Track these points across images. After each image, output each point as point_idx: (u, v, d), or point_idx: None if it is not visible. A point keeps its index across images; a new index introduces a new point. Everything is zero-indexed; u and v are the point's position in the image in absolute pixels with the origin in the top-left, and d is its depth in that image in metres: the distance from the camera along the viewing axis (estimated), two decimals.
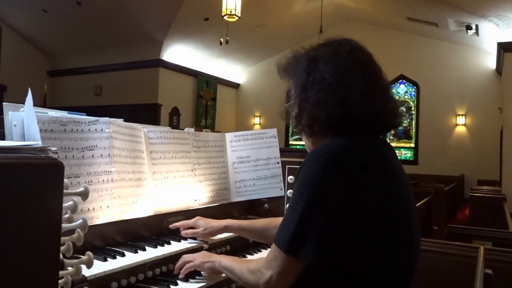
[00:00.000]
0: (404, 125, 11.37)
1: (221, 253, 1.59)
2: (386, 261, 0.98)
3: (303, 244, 0.96)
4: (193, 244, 1.48)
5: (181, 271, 1.32)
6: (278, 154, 2.00)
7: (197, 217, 1.57)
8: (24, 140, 1.13)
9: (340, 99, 1.03)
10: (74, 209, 0.86)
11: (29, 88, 1.22)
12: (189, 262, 1.33)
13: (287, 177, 1.97)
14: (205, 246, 1.52)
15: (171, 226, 1.57)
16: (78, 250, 0.99)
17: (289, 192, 1.91)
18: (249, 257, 1.62)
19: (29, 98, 1.11)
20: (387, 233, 0.98)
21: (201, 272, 1.36)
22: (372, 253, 0.96)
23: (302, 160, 1.05)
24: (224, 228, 1.53)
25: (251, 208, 2.06)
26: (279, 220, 1.34)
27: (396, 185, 1.04)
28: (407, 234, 1.03)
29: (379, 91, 1.06)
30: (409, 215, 1.04)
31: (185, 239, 1.52)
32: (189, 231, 1.53)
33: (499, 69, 9.38)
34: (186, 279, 1.32)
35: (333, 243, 0.95)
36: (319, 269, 0.99)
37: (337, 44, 1.11)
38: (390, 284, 0.99)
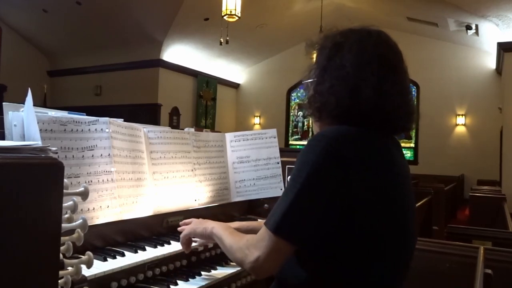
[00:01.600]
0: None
1: (221, 252, 1.57)
2: (378, 249, 0.97)
3: (294, 226, 0.95)
4: (193, 244, 1.48)
5: (180, 240, 1.36)
6: (278, 154, 2.00)
7: (198, 220, 1.55)
8: (24, 140, 1.13)
9: (351, 91, 1.02)
10: (74, 209, 0.86)
11: (29, 88, 1.22)
12: (183, 229, 1.35)
13: (287, 177, 1.97)
14: (210, 245, 1.51)
15: (179, 229, 1.55)
16: (78, 250, 0.99)
17: None
18: None
19: (29, 98, 1.11)
20: (380, 221, 0.97)
21: (201, 273, 1.35)
22: (364, 241, 0.95)
23: None
24: None
25: (251, 208, 2.06)
26: None
27: (395, 177, 1.02)
28: (403, 222, 1.02)
29: (395, 91, 1.03)
30: (405, 204, 1.03)
31: None
32: (186, 239, 1.52)
33: (499, 69, 9.37)
34: (186, 279, 1.32)
35: (324, 228, 0.94)
36: (308, 254, 0.98)
37: (366, 33, 1.09)
38: (382, 271, 0.98)
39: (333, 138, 0.97)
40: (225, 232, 1.20)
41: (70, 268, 0.86)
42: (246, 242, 1.06)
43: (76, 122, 1.30)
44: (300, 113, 12.55)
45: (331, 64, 1.07)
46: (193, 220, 1.38)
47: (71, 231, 0.87)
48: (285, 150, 2.17)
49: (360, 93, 1.01)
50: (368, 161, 0.98)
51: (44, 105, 7.95)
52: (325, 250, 0.97)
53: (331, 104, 1.04)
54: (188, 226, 1.33)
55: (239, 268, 1.47)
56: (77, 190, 0.87)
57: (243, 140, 2.00)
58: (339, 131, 1.00)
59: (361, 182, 0.95)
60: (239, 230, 1.50)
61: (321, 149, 0.96)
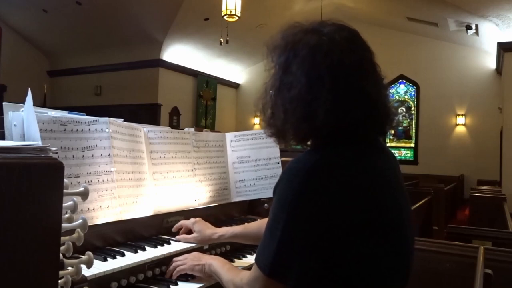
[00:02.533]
0: (404, 125, 11.39)
1: (221, 252, 1.59)
2: (375, 272, 0.93)
3: (285, 268, 0.92)
4: (193, 244, 1.48)
5: (173, 274, 1.31)
6: (278, 154, 2.00)
7: (195, 220, 1.54)
8: (24, 140, 1.13)
9: (306, 114, 0.95)
10: (74, 209, 0.86)
11: (29, 88, 1.22)
12: (179, 265, 1.31)
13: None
14: (205, 246, 1.52)
15: (173, 229, 1.56)
16: (78, 250, 0.99)
17: None
18: (248, 257, 1.62)
19: (29, 98, 1.11)
20: (373, 245, 0.92)
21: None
22: (359, 267, 0.91)
23: None
24: (218, 238, 1.50)
25: (251, 208, 2.06)
26: None
27: (381, 190, 0.96)
28: (398, 240, 0.97)
29: (357, 99, 0.94)
30: (398, 217, 0.98)
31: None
32: (181, 236, 1.52)
33: (499, 69, 9.37)
34: (186, 279, 1.32)
35: (316, 263, 0.90)
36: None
37: (317, 41, 0.97)
38: (385, 285, 0.95)
39: (307, 171, 0.92)
40: (222, 269, 1.19)
41: (70, 268, 0.86)
42: (241, 279, 1.04)
43: (76, 122, 1.30)
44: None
45: (284, 83, 0.99)
46: (189, 256, 1.34)
47: (71, 231, 0.87)
48: (285, 150, 2.16)
49: (314, 117, 0.93)
50: (348, 187, 0.92)
51: (44, 105, 7.95)
52: (322, 283, 0.92)
53: (287, 129, 0.99)
54: (187, 264, 1.30)
55: (240, 268, 1.47)
56: (77, 190, 0.87)
57: (244, 140, 2.00)
58: (309, 163, 0.94)
59: (344, 211, 0.90)
60: (223, 236, 1.49)
61: (297, 185, 0.91)
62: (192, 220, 1.55)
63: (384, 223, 0.95)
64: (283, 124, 0.99)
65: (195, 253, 1.36)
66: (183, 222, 1.57)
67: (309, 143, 1.03)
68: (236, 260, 1.57)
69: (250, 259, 1.60)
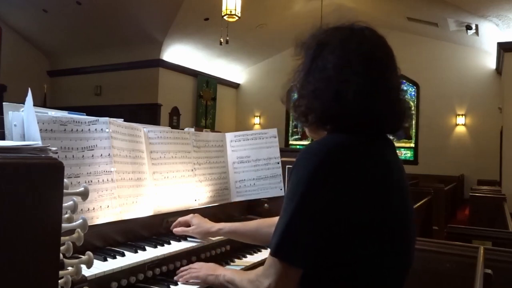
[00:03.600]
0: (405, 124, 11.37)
1: (221, 252, 1.59)
2: (379, 264, 0.95)
3: (294, 249, 0.93)
4: (193, 244, 1.48)
5: (184, 277, 1.29)
6: (278, 154, 2.00)
7: (194, 215, 1.56)
8: (24, 140, 1.13)
9: (335, 94, 0.98)
10: (74, 209, 0.86)
11: (29, 88, 1.22)
12: (193, 272, 1.29)
13: (287, 177, 1.97)
14: (205, 242, 1.51)
15: (171, 227, 1.56)
16: (78, 250, 0.99)
17: None
18: (249, 257, 1.62)
19: (29, 98, 1.11)
20: (380, 236, 0.95)
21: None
22: (365, 257, 0.94)
23: None
24: (217, 232, 1.50)
25: (251, 208, 2.06)
26: (273, 219, 1.31)
27: (392, 187, 1.00)
28: (402, 236, 1.00)
29: (382, 91, 0.99)
30: (404, 217, 1.01)
31: (185, 239, 1.52)
32: (180, 229, 1.52)
33: (499, 69, 9.37)
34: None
35: (324, 246, 0.92)
36: (314, 275, 0.96)
37: (349, 32, 1.04)
38: (386, 275, 0.98)
39: (325, 152, 0.95)
40: (237, 274, 1.19)
41: (70, 268, 0.86)
42: (255, 273, 1.04)
43: (76, 122, 1.30)
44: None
45: (314, 66, 1.03)
46: (205, 265, 1.31)
47: (71, 231, 0.87)
48: (285, 150, 2.17)
49: (343, 96, 0.97)
50: (363, 172, 0.95)
51: (44, 105, 7.94)
52: (329, 268, 0.94)
53: (316, 108, 1.02)
54: (201, 272, 1.28)
55: (239, 268, 1.47)
56: (77, 190, 0.87)
57: (244, 140, 2.00)
58: (331, 143, 0.98)
59: (358, 195, 0.93)
60: (221, 230, 1.49)
61: (314, 165, 0.93)
62: (190, 215, 1.56)
63: (392, 217, 0.98)
64: (311, 103, 1.02)
65: (211, 264, 1.33)
66: (181, 218, 1.57)
67: (327, 128, 1.05)
68: (236, 260, 1.57)
69: (250, 259, 1.60)
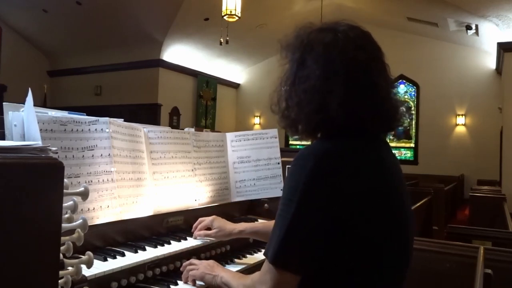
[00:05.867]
0: (404, 125, 11.39)
1: (221, 252, 1.59)
2: (378, 264, 0.96)
3: (291, 256, 0.93)
4: (193, 244, 1.48)
5: (183, 275, 1.30)
6: (279, 155, 2.00)
7: (213, 217, 1.56)
8: (24, 140, 1.13)
9: (319, 106, 0.98)
10: (74, 209, 0.86)
11: (29, 88, 1.22)
12: (191, 270, 1.30)
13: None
14: (207, 240, 1.51)
15: (196, 234, 1.53)
16: (78, 250, 0.99)
17: None
18: (249, 257, 1.62)
19: (29, 98, 1.11)
20: (378, 236, 0.95)
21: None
22: (364, 257, 0.94)
23: None
24: (239, 233, 1.52)
25: (251, 208, 2.06)
26: None
27: (387, 185, 1.00)
28: (400, 235, 1.00)
29: (369, 95, 0.98)
30: (401, 215, 1.01)
31: (185, 239, 1.52)
32: (202, 232, 1.53)
33: (499, 69, 9.37)
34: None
35: (322, 251, 0.92)
36: (311, 278, 0.95)
37: (332, 38, 1.01)
38: (384, 275, 0.98)
39: (319, 157, 0.95)
40: (233, 278, 1.18)
41: (70, 268, 0.86)
42: (252, 279, 1.04)
43: (76, 122, 1.30)
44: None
45: (299, 76, 1.03)
46: (204, 263, 1.31)
47: (71, 231, 0.87)
48: (285, 150, 2.17)
49: (327, 108, 0.97)
50: (358, 175, 0.95)
51: (44, 105, 7.95)
52: (326, 271, 0.94)
53: (302, 119, 1.02)
54: (199, 271, 1.28)
55: (239, 268, 1.47)
56: (77, 190, 0.87)
57: (244, 140, 2.00)
58: (324, 148, 0.97)
59: (353, 197, 0.93)
60: (244, 231, 1.52)
61: (309, 171, 0.93)
62: (209, 218, 1.56)
63: (390, 216, 0.98)
64: (297, 114, 1.02)
65: (210, 261, 1.33)
66: (201, 219, 1.57)
67: (318, 136, 1.05)
68: (236, 260, 1.57)
69: (250, 259, 1.60)
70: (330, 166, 0.94)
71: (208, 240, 1.54)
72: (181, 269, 1.34)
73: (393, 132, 1.10)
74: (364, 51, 1.01)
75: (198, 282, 1.29)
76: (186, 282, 1.29)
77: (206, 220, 1.56)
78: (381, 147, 1.05)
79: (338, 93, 0.96)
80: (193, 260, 1.35)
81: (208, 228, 1.55)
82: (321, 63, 1.00)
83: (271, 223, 1.53)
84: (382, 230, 0.96)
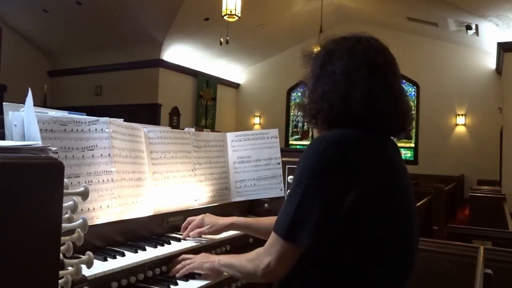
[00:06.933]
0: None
1: (221, 253, 1.59)
2: (382, 252, 0.99)
3: (301, 230, 0.97)
4: (193, 244, 1.48)
5: (180, 271, 1.32)
6: (279, 155, 2.00)
7: (204, 215, 1.58)
8: (24, 140, 1.13)
9: (342, 96, 1.05)
10: (74, 209, 0.86)
11: (29, 88, 1.22)
12: (188, 264, 1.33)
13: (287, 177, 1.97)
14: (203, 240, 1.51)
15: (189, 234, 1.54)
16: (78, 250, 0.99)
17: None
18: None
19: (29, 98, 1.11)
20: (383, 223, 0.99)
21: (201, 272, 1.36)
22: (368, 244, 0.97)
23: None
24: (230, 225, 1.54)
25: (251, 208, 2.06)
26: None
27: (395, 177, 1.05)
28: (405, 225, 1.03)
29: (386, 94, 1.06)
30: (407, 207, 1.05)
31: (185, 239, 1.52)
32: (195, 231, 1.53)
33: (499, 69, 9.37)
34: (186, 279, 1.32)
35: (329, 230, 0.96)
36: (316, 257, 0.99)
37: (356, 40, 1.12)
38: (387, 274, 1.00)
39: (333, 142, 1.00)
40: (232, 257, 1.23)
41: (70, 268, 0.86)
42: (256, 253, 1.09)
43: (76, 122, 1.30)
44: (300, 113, 12.55)
45: (323, 72, 1.10)
46: (198, 256, 1.37)
47: (71, 231, 0.87)
48: (285, 150, 2.17)
49: (350, 98, 1.04)
50: (369, 165, 1.00)
51: (44, 105, 7.95)
52: (329, 255, 0.98)
53: (324, 109, 1.08)
54: (196, 262, 1.33)
55: None
56: (77, 190, 0.87)
57: (245, 140, 2.00)
58: (339, 135, 1.03)
59: (363, 186, 0.97)
60: (236, 224, 1.53)
61: (322, 153, 0.98)
62: (199, 216, 1.57)
63: (395, 205, 1.02)
64: (320, 104, 1.09)
65: (203, 254, 1.40)
66: (190, 219, 1.58)
67: (334, 128, 1.09)
68: None
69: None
70: (342, 154, 0.98)
71: (204, 241, 1.53)
72: (175, 266, 1.35)
73: (403, 135, 1.15)
74: (384, 56, 1.11)
75: (199, 280, 1.29)
76: (184, 277, 1.31)
77: (196, 219, 1.56)
78: (392, 146, 1.11)
79: (361, 85, 1.04)
80: (186, 255, 1.38)
81: (200, 227, 1.55)
82: (346, 60, 1.08)
83: (264, 219, 1.56)
84: (388, 229, 0.99)
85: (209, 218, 1.56)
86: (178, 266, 1.35)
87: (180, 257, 1.38)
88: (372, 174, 0.99)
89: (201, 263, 1.32)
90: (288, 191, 1.04)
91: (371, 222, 0.97)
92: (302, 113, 1.17)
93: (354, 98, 1.04)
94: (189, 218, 1.59)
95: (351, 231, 0.96)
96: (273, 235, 1.03)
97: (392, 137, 1.14)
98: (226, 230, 1.57)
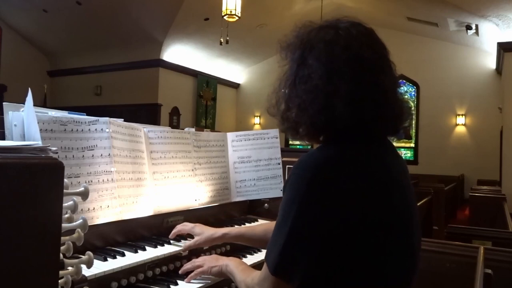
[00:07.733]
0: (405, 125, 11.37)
1: (221, 253, 1.58)
2: (382, 273, 0.92)
3: (292, 267, 0.91)
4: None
5: (189, 276, 1.30)
6: (279, 155, 2.00)
7: (195, 224, 1.51)
8: (24, 140, 1.13)
9: (323, 106, 0.93)
10: (74, 209, 0.86)
11: (29, 88, 1.22)
12: (198, 267, 1.31)
13: (287, 177, 1.97)
14: (205, 247, 1.51)
15: (171, 236, 1.49)
16: (78, 250, 0.99)
17: None
18: (249, 257, 1.62)
19: (29, 98, 1.11)
20: (381, 244, 0.91)
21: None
22: (365, 266, 0.90)
23: None
24: (222, 236, 1.46)
25: (251, 208, 2.06)
26: None
27: (392, 190, 0.95)
28: (406, 241, 0.96)
29: (374, 95, 0.93)
30: (407, 220, 0.97)
31: (185, 239, 1.51)
32: (186, 245, 1.45)
33: (499, 69, 9.38)
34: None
35: (323, 263, 0.90)
36: (313, 285, 0.93)
37: (334, 34, 0.97)
38: None
39: (317, 167, 0.91)
40: (237, 269, 1.19)
41: (70, 268, 0.86)
42: (252, 280, 1.04)
43: (76, 122, 1.30)
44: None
45: (300, 75, 0.98)
46: (207, 258, 1.34)
47: (71, 231, 0.87)
48: (285, 150, 2.16)
49: (332, 108, 0.92)
50: (362, 188, 0.91)
51: (44, 105, 7.94)
52: (329, 282, 0.91)
53: (304, 122, 0.96)
54: (205, 266, 1.29)
55: None
56: (77, 190, 0.87)
57: (245, 140, 2.00)
58: (322, 157, 0.94)
59: (354, 206, 0.89)
60: (228, 235, 1.46)
61: (307, 182, 0.90)
62: (190, 225, 1.51)
63: (394, 223, 0.94)
64: (298, 116, 0.97)
65: (212, 255, 1.38)
66: (181, 228, 1.50)
67: (321, 139, 1.01)
68: None
69: (250, 259, 1.60)
70: (330, 178, 0.90)
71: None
72: (185, 267, 1.33)
73: (398, 135, 1.03)
74: (369, 49, 0.96)
75: (199, 280, 1.29)
76: (176, 279, 1.30)
77: (186, 227, 1.50)
78: (386, 153, 1.01)
79: (343, 92, 0.91)
80: (195, 260, 1.36)
81: (190, 236, 1.50)
82: (323, 61, 0.94)
83: (256, 227, 1.52)
84: (386, 241, 0.92)
85: (199, 228, 1.47)
86: (188, 266, 1.32)
87: (191, 261, 1.35)
88: (367, 192, 0.91)
89: (210, 267, 1.28)
90: (277, 219, 0.95)
91: (369, 246, 0.90)
92: (281, 120, 1.03)
93: (336, 109, 0.91)
94: (178, 227, 1.50)
95: (346, 256, 0.89)
96: (265, 267, 0.96)
97: (393, 136, 1.04)
98: (219, 241, 1.48)
